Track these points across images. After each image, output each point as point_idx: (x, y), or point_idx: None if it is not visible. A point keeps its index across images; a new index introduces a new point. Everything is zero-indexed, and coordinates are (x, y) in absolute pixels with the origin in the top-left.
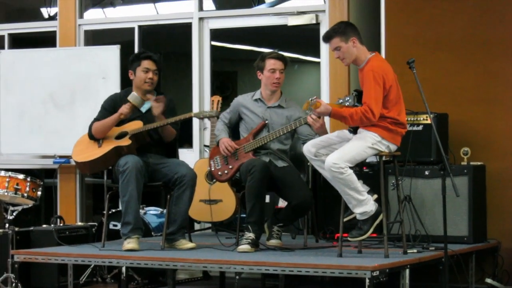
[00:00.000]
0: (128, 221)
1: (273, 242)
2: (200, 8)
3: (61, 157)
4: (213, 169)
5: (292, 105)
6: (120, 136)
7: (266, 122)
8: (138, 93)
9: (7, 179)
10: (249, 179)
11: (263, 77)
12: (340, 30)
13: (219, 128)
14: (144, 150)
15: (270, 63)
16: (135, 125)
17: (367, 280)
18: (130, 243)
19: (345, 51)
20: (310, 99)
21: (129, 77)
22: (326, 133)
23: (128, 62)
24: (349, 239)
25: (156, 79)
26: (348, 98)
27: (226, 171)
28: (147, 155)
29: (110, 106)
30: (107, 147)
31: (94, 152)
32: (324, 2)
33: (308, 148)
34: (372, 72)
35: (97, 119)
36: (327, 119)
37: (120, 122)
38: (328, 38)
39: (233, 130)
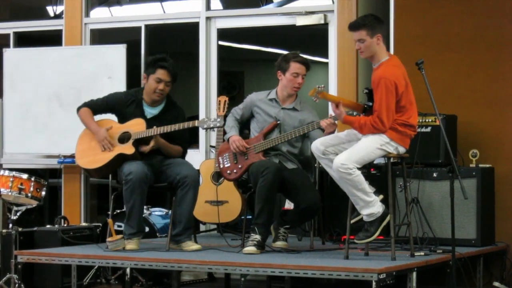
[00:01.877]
0: (131, 225)
1: (279, 244)
2: (208, 8)
3: (65, 157)
4: (221, 167)
5: (306, 109)
6: (123, 138)
7: (278, 122)
8: (147, 99)
9: (11, 179)
10: (261, 180)
11: (283, 78)
12: (370, 23)
13: (229, 125)
14: (147, 154)
15: (295, 67)
16: (139, 126)
17: (374, 283)
18: (130, 244)
19: (368, 45)
20: (318, 86)
21: (142, 80)
22: None
23: (144, 64)
24: (356, 241)
25: (167, 90)
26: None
27: (235, 170)
28: (151, 156)
29: (112, 104)
30: (110, 153)
31: (98, 157)
32: (333, 2)
33: (317, 146)
34: (384, 79)
35: (91, 106)
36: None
37: (121, 119)
38: (355, 27)
39: (242, 127)
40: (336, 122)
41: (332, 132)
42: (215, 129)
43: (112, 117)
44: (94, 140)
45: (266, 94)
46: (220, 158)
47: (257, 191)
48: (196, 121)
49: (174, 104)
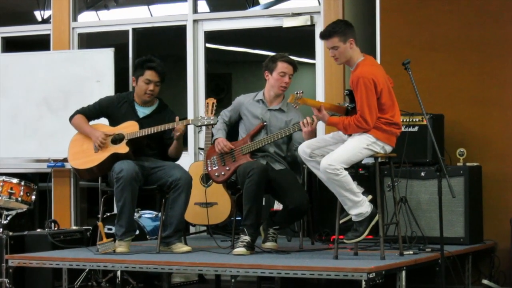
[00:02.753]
0: (121, 224)
1: (269, 244)
2: (195, 11)
3: (55, 161)
4: (209, 169)
5: (292, 110)
6: (116, 139)
7: (265, 124)
8: (138, 101)
9: (1, 183)
10: (247, 181)
11: (270, 78)
12: (341, 30)
13: (217, 127)
14: (140, 153)
15: (282, 66)
16: (131, 127)
17: (364, 282)
18: (121, 246)
19: (342, 51)
20: (296, 92)
21: (132, 83)
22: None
23: (133, 67)
24: (345, 241)
25: (157, 90)
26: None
27: (223, 173)
28: (143, 158)
29: (104, 107)
30: (103, 153)
31: (91, 158)
32: (319, 3)
33: (303, 149)
34: (362, 78)
35: (83, 113)
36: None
37: (114, 123)
38: (327, 36)
39: (232, 129)
40: (314, 120)
41: (311, 132)
42: (208, 127)
43: (104, 123)
44: (86, 143)
45: (253, 96)
46: (208, 161)
47: (244, 192)
48: (190, 119)
49: (166, 106)
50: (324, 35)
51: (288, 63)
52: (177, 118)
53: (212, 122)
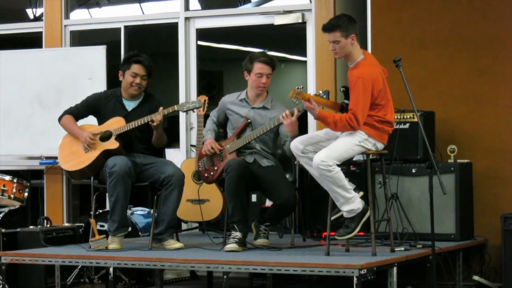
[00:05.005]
0: (114, 220)
1: (261, 241)
2: (186, 8)
3: (47, 158)
4: (200, 170)
5: (277, 107)
6: (104, 137)
7: (249, 121)
8: (125, 95)
9: None
10: (226, 179)
11: (249, 79)
12: (344, 25)
13: (207, 128)
14: (131, 149)
15: (258, 67)
16: (118, 123)
17: (355, 279)
18: (113, 243)
19: (342, 46)
20: (297, 87)
21: (119, 78)
22: (297, 132)
23: (120, 62)
24: (336, 237)
25: (144, 84)
26: (322, 94)
27: (212, 173)
28: (134, 155)
29: (92, 104)
30: (94, 152)
31: (82, 159)
32: (310, 1)
33: (296, 145)
34: (362, 79)
35: (71, 113)
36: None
37: (102, 120)
38: (330, 29)
39: (223, 128)
40: (295, 113)
41: (291, 126)
42: (195, 110)
43: (92, 122)
44: (75, 145)
45: (237, 95)
46: (199, 162)
47: (225, 191)
48: (176, 106)
49: (151, 95)
50: (327, 29)
51: (264, 63)
52: (160, 108)
53: (197, 106)
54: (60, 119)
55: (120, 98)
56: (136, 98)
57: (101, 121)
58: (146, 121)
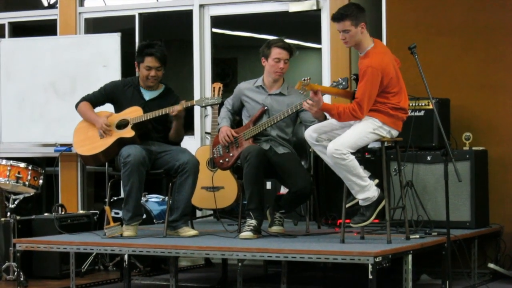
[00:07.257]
0: (128, 209)
1: (275, 228)
2: None
3: (62, 145)
4: (215, 157)
5: (294, 92)
6: (121, 125)
7: (266, 108)
8: (143, 85)
9: (9, 168)
10: (245, 166)
11: (267, 64)
12: (353, 13)
13: (222, 116)
14: (147, 137)
15: (276, 52)
16: (135, 112)
17: (370, 266)
18: (128, 231)
19: (352, 35)
20: (303, 79)
21: (135, 68)
22: (325, 117)
23: (135, 50)
24: (351, 225)
25: (160, 74)
26: (341, 81)
27: (227, 159)
28: (149, 142)
29: (109, 92)
30: (109, 139)
31: (97, 144)
32: None
33: (310, 133)
34: (371, 69)
35: (89, 100)
36: (327, 99)
37: (119, 108)
38: (339, 19)
39: (239, 116)
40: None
41: (318, 113)
42: (214, 107)
43: (109, 110)
44: (91, 130)
45: (253, 82)
46: (214, 149)
47: (244, 177)
48: (194, 100)
49: (171, 90)
50: (336, 18)
51: (282, 48)
52: (183, 101)
53: (216, 102)
54: (77, 105)
55: (138, 87)
56: (154, 88)
57: (118, 109)
58: (164, 113)
